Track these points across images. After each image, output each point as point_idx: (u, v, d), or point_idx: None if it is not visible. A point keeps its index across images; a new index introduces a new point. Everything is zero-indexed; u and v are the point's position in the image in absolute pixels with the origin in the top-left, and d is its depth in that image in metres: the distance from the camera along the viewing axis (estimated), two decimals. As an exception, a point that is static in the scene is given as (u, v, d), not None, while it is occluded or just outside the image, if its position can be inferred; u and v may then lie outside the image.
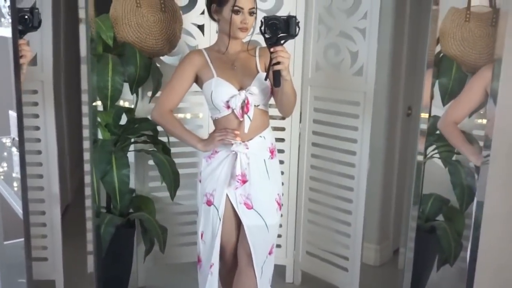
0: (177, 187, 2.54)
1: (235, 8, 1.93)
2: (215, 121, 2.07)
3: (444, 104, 2.29)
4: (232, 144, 1.98)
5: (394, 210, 3.32)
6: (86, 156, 2.06)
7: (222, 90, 1.97)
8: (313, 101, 2.80)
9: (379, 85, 2.68)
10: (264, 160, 2.06)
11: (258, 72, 2.01)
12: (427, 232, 2.43)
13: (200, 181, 2.10)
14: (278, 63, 1.81)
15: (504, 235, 1.74)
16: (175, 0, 2.62)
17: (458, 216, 2.31)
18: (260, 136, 2.04)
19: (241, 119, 1.97)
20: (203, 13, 2.66)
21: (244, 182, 2.02)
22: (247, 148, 1.99)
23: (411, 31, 3.05)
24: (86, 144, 2.05)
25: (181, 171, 2.61)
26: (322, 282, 2.88)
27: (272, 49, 1.82)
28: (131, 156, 2.64)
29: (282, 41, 1.82)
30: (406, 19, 3.03)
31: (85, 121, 2.05)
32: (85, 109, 2.02)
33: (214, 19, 2.07)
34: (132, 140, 2.62)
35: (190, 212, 2.82)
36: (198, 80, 2.07)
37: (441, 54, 2.31)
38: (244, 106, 1.95)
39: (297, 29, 1.81)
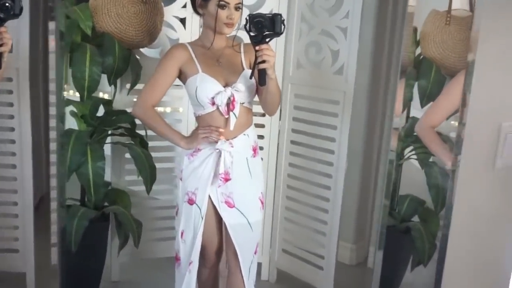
0: (154, 181, 2.51)
1: (221, 2, 1.88)
2: (198, 118, 2.02)
3: (422, 106, 2.30)
4: (216, 142, 1.95)
5: (371, 209, 3.33)
6: (53, 146, 2.02)
7: (208, 86, 1.93)
8: (293, 98, 2.79)
9: (359, 85, 2.68)
10: (247, 158, 2.03)
11: (243, 69, 1.98)
12: (402, 232, 2.44)
13: (181, 179, 2.06)
14: (264, 61, 1.79)
15: (474, 237, 1.76)
16: (156, -9, 2.59)
17: (432, 217, 2.32)
18: (244, 134, 2.01)
19: (226, 116, 1.94)
20: (185, 6, 2.63)
21: (227, 180, 1.99)
22: (232, 147, 1.96)
23: (393, 32, 3.06)
24: (53, 134, 2.01)
25: (158, 165, 2.58)
26: (298, 280, 2.88)
27: (257, 48, 1.79)
28: (107, 148, 2.60)
29: (267, 39, 1.80)
30: (388, 19, 3.04)
31: (52, 111, 2.01)
32: (52, 98, 1.99)
33: (198, 13, 2.02)
34: (109, 132, 2.59)
35: (166, 207, 2.80)
36: (181, 75, 2.01)
37: (421, 56, 2.32)
38: (230, 103, 1.92)
39: (283, 27, 1.79)
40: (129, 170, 2.69)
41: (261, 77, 1.84)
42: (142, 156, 2.44)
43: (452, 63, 2.28)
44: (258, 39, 1.79)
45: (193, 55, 1.98)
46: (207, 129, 1.95)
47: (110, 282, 2.80)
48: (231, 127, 1.94)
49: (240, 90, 1.93)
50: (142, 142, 2.57)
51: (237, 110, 1.93)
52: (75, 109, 2.47)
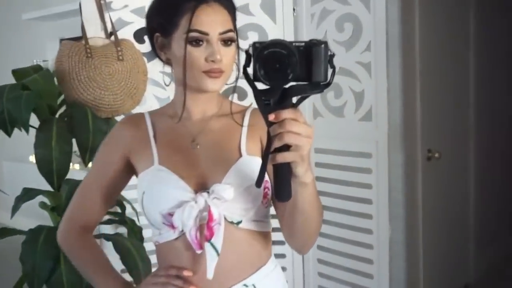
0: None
1: (193, 34, 1.04)
2: (158, 248, 1.15)
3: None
4: None
5: (423, 273, 2.76)
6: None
7: (162, 191, 1.07)
8: (312, 154, 2.29)
9: (393, 130, 2.18)
10: None
11: (240, 154, 1.11)
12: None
13: None
14: (288, 147, 0.83)
15: None
16: (135, 46, 2.16)
17: None
18: (245, 285, 1.10)
19: (198, 252, 1.04)
20: (171, 59, 2.19)
21: None
22: None
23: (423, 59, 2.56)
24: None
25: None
26: None
27: (272, 116, 0.82)
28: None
29: (294, 99, 0.86)
30: (416, 45, 2.55)
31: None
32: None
33: (162, 60, 1.16)
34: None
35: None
36: (135, 170, 1.20)
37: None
38: (204, 224, 1.03)
39: (331, 71, 0.85)
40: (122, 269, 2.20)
41: (281, 180, 0.88)
42: (132, 251, 1.94)
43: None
44: (274, 98, 0.84)
45: (150, 133, 1.16)
46: (166, 274, 1.08)
47: None
48: (209, 273, 1.03)
49: (225, 196, 1.03)
50: (135, 230, 2.08)
51: (218, 238, 1.03)
52: (47, 201, 2.01)
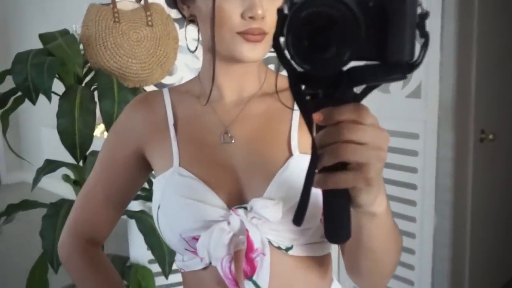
0: (173, 261, 1.91)
1: None
2: (183, 276, 0.90)
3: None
4: None
5: (468, 263, 2.57)
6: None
7: (183, 207, 0.78)
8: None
9: (443, 108, 1.97)
10: None
11: (290, 153, 0.81)
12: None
13: None
14: (345, 165, 0.51)
15: None
16: (165, 11, 2.01)
17: None
18: None
19: None
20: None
21: None
22: None
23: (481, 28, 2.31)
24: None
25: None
26: None
27: (318, 116, 0.51)
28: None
29: (357, 88, 0.53)
30: (475, 11, 2.30)
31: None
32: None
33: (185, 17, 0.88)
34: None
35: None
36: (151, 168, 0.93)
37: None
38: (241, 251, 0.77)
39: (421, 43, 0.51)
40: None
41: (335, 218, 0.56)
42: (157, 229, 1.84)
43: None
44: (323, 89, 0.52)
45: (170, 119, 0.87)
46: None
47: None
48: None
49: (270, 216, 0.75)
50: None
51: (263, 274, 0.75)
52: (72, 175, 1.93)
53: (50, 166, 1.82)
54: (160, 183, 0.82)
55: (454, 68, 2.24)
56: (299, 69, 0.50)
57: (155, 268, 2.14)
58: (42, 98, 1.73)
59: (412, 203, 1.93)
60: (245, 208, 0.75)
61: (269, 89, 0.86)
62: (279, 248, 0.77)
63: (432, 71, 1.85)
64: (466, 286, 2.58)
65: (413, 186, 1.92)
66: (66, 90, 1.84)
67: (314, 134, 0.52)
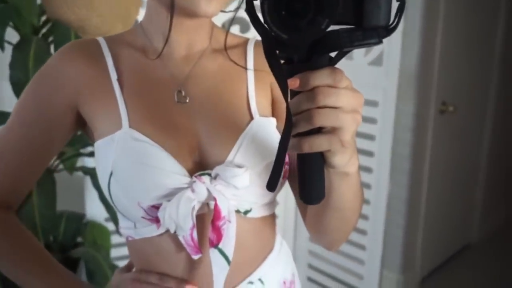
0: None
1: None
2: (131, 244, 0.82)
3: None
4: None
5: (422, 230, 2.64)
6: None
7: (141, 174, 0.72)
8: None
9: (406, 77, 1.98)
10: None
11: (251, 116, 0.78)
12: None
13: None
14: (320, 128, 0.51)
15: None
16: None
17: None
18: (251, 282, 0.81)
19: (194, 257, 0.74)
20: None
21: None
22: None
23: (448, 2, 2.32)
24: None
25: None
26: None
27: (294, 82, 0.50)
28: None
29: (332, 53, 0.52)
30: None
31: None
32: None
33: None
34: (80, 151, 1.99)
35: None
36: (85, 126, 0.81)
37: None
38: (203, 217, 0.75)
39: (396, 7, 0.51)
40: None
41: (310, 181, 0.55)
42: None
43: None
44: (299, 52, 0.51)
45: (112, 74, 0.77)
46: (154, 282, 0.78)
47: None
48: (218, 284, 0.74)
49: (239, 184, 0.73)
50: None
51: (229, 241, 0.73)
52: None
53: (2, 118, 1.77)
54: (108, 147, 0.72)
55: (418, 37, 2.24)
56: (273, 34, 0.48)
57: (112, 226, 2.13)
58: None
59: (368, 170, 1.95)
60: (209, 175, 0.71)
61: (217, 46, 0.81)
62: (238, 211, 0.75)
63: (395, 39, 1.85)
64: (418, 253, 2.66)
65: (370, 153, 1.94)
66: (21, 40, 1.78)
67: (289, 100, 0.51)
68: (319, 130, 0.51)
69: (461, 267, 2.90)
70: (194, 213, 0.70)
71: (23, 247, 0.83)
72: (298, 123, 0.50)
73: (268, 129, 0.76)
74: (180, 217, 0.69)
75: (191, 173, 0.72)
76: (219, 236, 0.71)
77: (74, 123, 0.79)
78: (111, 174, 0.71)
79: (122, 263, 2.07)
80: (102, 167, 0.73)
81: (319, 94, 0.49)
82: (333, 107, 0.49)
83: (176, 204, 0.69)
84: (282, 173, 0.74)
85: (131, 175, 0.71)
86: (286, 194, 2.24)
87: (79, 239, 2.10)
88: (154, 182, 0.70)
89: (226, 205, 0.72)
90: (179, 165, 0.71)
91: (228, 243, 0.72)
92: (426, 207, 2.61)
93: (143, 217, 0.73)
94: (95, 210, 2.14)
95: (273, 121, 0.78)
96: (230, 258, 0.72)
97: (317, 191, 0.55)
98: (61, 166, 1.95)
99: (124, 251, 2.13)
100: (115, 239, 2.13)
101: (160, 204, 0.71)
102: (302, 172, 0.55)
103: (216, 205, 0.70)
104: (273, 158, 0.67)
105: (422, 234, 2.64)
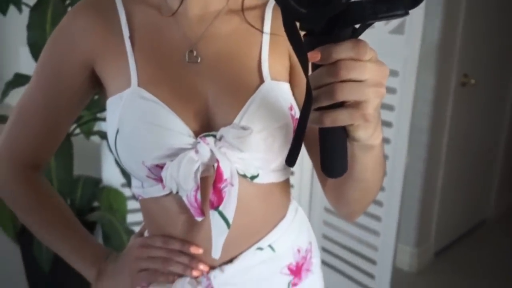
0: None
1: None
2: (142, 204, 0.82)
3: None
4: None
5: (438, 204, 2.62)
6: None
7: (145, 133, 0.70)
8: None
9: (428, 46, 1.94)
10: None
11: (261, 79, 0.75)
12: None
13: None
14: (341, 104, 0.49)
15: None
16: None
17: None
18: (260, 249, 0.79)
19: (197, 219, 0.73)
20: None
21: None
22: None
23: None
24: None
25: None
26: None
27: (315, 55, 0.48)
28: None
29: (355, 25, 0.49)
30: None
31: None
32: None
33: None
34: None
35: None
36: (103, 89, 0.79)
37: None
38: (207, 179, 0.72)
39: None
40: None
41: (332, 155, 0.54)
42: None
43: None
44: (317, 24, 0.47)
45: (125, 31, 0.75)
46: (160, 246, 0.78)
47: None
48: (214, 251, 0.72)
49: (242, 146, 0.70)
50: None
51: (230, 205, 0.71)
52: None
53: (19, 80, 1.78)
54: (116, 105, 0.72)
55: (442, 7, 2.19)
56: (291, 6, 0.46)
57: (128, 191, 2.15)
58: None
59: (386, 140, 1.92)
60: (214, 136, 0.70)
61: (234, 6, 0.78)
62: (244, 176, 0.73)
63: (418, 8, 1.80)
64: (434, 227, 2.65)
65: (388, 124, 1.91)
66: (38, 1, 1.77)
67: (309, 75, 0.49)
68: (341, 104, 0.49)
69: (476, 243, 2.88)
70: (199, 174, 0.69)
71: (50, 207, 0.86)
72: (319, 97, 0.49)
73: (278, 93, 0.74)
74: (180, 177, 0.68)
75: (197, 134, 0.71)
76: (220, 199, 0.70)
77: (91, 83, 0.78)
78: (117, 131, 0.71)
79: (138, 229, 2.09)
80: (110, 125, 0.73)
81: (342, 68, 0.47)
82: (356, 80, 0.48)
83: (177, 164, 0.68)
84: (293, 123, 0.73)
85: (135, 133, 0.70)
86: (301, 164, 2.24)
87: (95, 204, 2.12)
88: (157, 141, 0.69)
89: (229, 167, 0.70)
90: (184, 126, 0.70)
91: (229, 206, 0.70)
92: (443, 181, 2.58)
93: (148, 176, 0.72)
94: (111, 176, 2.15)
95: (284, 86, 0.76)
96: (230, 221, 0.71)
97: (340, 164, 0.53)
98: (78, 131, 1.96)
99: (140, 216, 2.15)
100: (131, 204, 2.14)
101: (164, 164, 0.70)
102: (324, 145, 0.53)
103: (218, 167, 0.69)
104: (281, 123, 0.68)
105: (438, 208, 2.62)
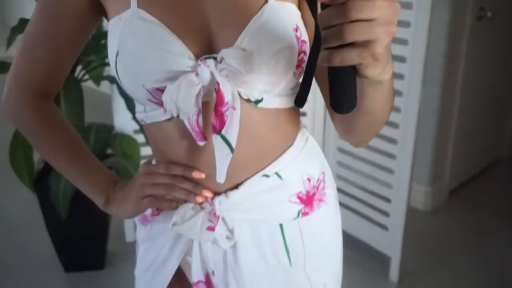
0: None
1: None
2: (146, 128, 0.82)
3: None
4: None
5: (453, 142, 2.60)
6: None
7: (145, 55, 0.68)
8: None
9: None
10: (281, 226, 0.81)
11: (265, 0, 0.71)
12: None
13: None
14: (350, 43, 0.49)
15: None
16: None
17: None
18: (266, 176, 0.78)
19: (200, 144, 0.71)
20: None
21: None
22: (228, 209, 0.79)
23: None
24: None
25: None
26: (354, 228, 2.27)
27: None
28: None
29: None
30: None
31: None
32: None
33: None
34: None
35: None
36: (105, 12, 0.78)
37: None
38: (208, 104, 0.71)
39: None
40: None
41: (341, 91, 0.54)
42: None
43: None
44: None
45: None
46: (163, 173, 0.78)
47: (124, 243, 2.32)
48: (219, 176, 0.71)
49: (243, 68, 0.67)
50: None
51: (232, 129, 0.69)
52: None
53: (25, 25, 1.74)
54: (116, 27, 0.70)
55: None
56: None
57: (141, 138, 2.15)
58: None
59: (400, 76, 1.88)
60: (215, 59, 0.68)
61: None
62: (248, 100, 0.72)
63: None
64: (448, 165, 2.64)
65: (402, 59, 1.86)
66: None
67: (317, 15, 0.48)
68: (351, 43, 0.48)
69: (491, 181, 2.87)
70: (200, 98, 0.68)
71: (62, 132, 0.87)
72: (328, 38, 0.48)
73: (282, 14, 0.71)
74: (180, 100, 0.67)
75: (198, 57, 0.69)
76: (222, 122, 0.69)
77: (94, 7, 0.76)
78: (117, 54, 0.70)
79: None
80: (110, 47, 0.72)
81: (351, 8, 0.46)
82: (366, 20, 0.47)
83: (177, 87, 0.67)
84: (298, 56, 0.70)
85: (134, 56, 0.68)
86: (315, 92, 2.21)
87: (109, 151, 2.13)
88: (157, 64, 0.68)
89: (230, 90, 0.68)
90: (185, 48, 0.68)
91: (231, 130, 0.69)
92: (458, 119, 2.55)
93: (149, 100, 0.72)
94: (123, 123, 2.15)
95: (289, 6, 0.72)
96: (233, 145, 0.70)
97: (349, 101, 0.54)
98: (87, 76, 1.94)
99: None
100: (144, 151, 2.15)
101: (165, 87, 0.69)
102: (333, 83, 0.54)
103: (219, 89, 0.67)
104: (284, 44, 0.66)
105: (453, 146, 2.60)
